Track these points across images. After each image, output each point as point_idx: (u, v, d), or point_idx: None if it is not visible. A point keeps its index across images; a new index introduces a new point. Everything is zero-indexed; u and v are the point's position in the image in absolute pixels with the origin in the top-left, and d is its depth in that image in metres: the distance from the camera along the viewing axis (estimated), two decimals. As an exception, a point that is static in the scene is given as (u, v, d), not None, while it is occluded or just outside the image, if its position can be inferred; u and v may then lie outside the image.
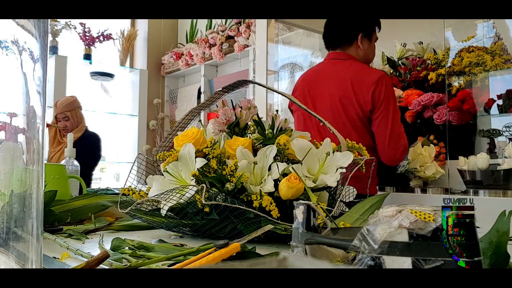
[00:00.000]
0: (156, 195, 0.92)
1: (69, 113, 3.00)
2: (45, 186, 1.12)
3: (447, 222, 0.45)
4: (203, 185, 0.85)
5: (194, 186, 0.88)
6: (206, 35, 3.82)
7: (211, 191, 0.85)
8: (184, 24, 4.36)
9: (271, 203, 0.82)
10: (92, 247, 0.82)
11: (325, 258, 0.55)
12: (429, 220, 0.45)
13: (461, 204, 0.46)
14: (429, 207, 0.47)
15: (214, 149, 0.90)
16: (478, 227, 0.48)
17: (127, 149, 4.16)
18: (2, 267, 0.40)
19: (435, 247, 0.44)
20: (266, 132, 1.00)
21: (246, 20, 3.44)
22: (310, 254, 0.54)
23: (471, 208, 0.45)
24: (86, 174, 2.82)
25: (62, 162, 1.53)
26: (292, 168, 0.87)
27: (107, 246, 0.77)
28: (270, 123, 1.03)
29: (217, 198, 0.85)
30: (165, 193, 0.90)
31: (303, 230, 0.54)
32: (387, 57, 2.71)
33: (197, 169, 0.89)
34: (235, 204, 0.82)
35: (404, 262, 0.45)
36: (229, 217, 0.84)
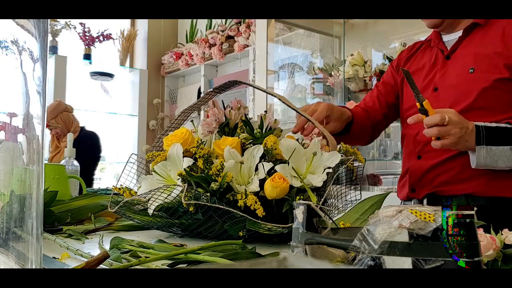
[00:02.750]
0: (141, 194, 0.92)
1: (53, 120, 2.79)
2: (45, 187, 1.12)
3: (447, 222, 0.45)
4: (185, 184, 0.85)
5: (179, 185, 0.88)
6: (206, 35, 3.82)
7: (197, 191, 0.86)
8: (184, 24, 4.35)
9: (256, 202, 0.83)
10: (92, 247, 0.82)
11: (325, 258, 0.55)
12: (429, 220, 0.45)
13: (461, 204, 0.46)
14: (429, 207, 0.47)
15: (201, 149, 0.90)
16: (478, 226, 0.48)
17: (127, 149, 4.15)
18: (2, 267, 0.40)
19: (435, 247, 0.44)
20: (255, 132, 1.00)
21: (246, 20, 3.43)
22: (310, 254, 0.54)
23: (471, 208, 0.45)
24: (87, 174, 2.80)
25: (62, 162, 1.53)
26: (279, 167, 0.87)
27: (107, 246, 0.77)
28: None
29: (202, 198, 0.85)
30: (150, 192, 0.90)
31: (303, 230, 0.54)
32: (387, 57, 2.71)
33: (184, 168, 0.90)
34: (216, 204, 0.82)
35: (404, 262, 0.45)
36: (213, 217, 0.84)
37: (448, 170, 1.14)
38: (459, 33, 1.20)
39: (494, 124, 1.01)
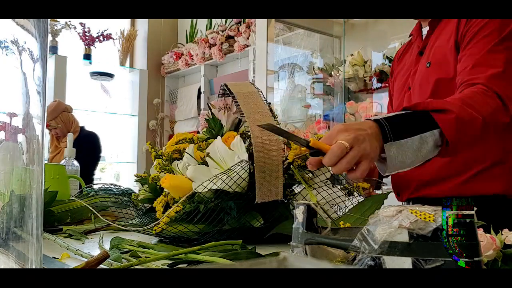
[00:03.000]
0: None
1: (53, 121, 2.83)
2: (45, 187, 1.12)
3: (447, 222, 0.45)
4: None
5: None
6: (206, 35, 3.82)
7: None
8: (184, 24, 4.35)
9: (159, 203, 0.87)
10: (92, 247, 0.82)
11: (325, 258, 0.55)
12: (429, 220, 0.45)
13: (461, 204, 0.46)
14: (429, 207, 0.47)
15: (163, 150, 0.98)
16: (478, 226, 0.48)
17: (127, 149, 4.16)
18: (2, 267, 0.40)
19: (435, 247, 0.44)
20: (210, 129, 1.02)
21: (246, 20, 3.43)
22: (310, 254, 0.54)
23: (471, 208, 0.45)
24: (87, 175, 2.80)
25: (62, 162, 1.53)
26: (191, 169, 0.89)
27: (107, 246, 0.77)
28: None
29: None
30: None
31: (303, 230, 0.54)
32: (387, 57, 2.71)
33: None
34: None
35: (404, 262, 0.45)
36: None
37: (422, 173, 1.09)
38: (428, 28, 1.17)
39: (392, 113, 0.81)
